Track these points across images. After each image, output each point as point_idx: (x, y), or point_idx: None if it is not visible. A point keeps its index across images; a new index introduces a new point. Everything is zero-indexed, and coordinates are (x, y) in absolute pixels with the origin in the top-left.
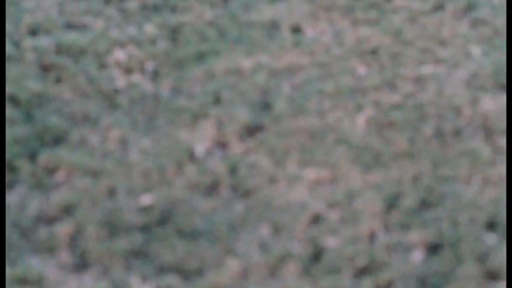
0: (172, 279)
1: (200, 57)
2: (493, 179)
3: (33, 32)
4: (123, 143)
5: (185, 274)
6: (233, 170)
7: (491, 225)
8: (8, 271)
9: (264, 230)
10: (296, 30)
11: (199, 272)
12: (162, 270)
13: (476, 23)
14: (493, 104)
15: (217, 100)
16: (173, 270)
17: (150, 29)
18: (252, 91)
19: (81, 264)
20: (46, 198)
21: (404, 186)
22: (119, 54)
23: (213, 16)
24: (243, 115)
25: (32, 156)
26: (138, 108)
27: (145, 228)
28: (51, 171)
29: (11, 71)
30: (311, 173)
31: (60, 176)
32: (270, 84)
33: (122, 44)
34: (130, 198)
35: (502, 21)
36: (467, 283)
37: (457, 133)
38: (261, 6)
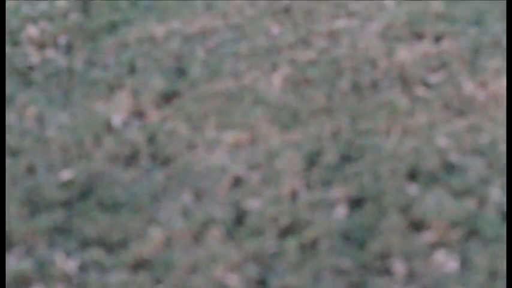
0: (96, 252)
1: (113, 27)
2: (411, 128)
3: None
4: (40, 119)
5: (109, 247)
6: (151, 139)
7: (412, 176)
8: None
9: (186, 197)
10: None
11: (123, 244)
12: (85, 244)
13: None
14: (409, 53)
15: (131, 69)
16: (97, 244)
17: (61, 2)
18: (167, 58)
19: (5, 245)
20: None
21: (323, 143)
22: (32, 31)
23: None
24: (159, 83)
25: None
26: (54, 84)
27: (66, 204)
28: None
29: None
30: (230, 136)
31: None
32: (184, 49)
33: (33, 20)
34: (50, 174)
35: None
36: (392, 235)
37: (374, 85)
38: None
